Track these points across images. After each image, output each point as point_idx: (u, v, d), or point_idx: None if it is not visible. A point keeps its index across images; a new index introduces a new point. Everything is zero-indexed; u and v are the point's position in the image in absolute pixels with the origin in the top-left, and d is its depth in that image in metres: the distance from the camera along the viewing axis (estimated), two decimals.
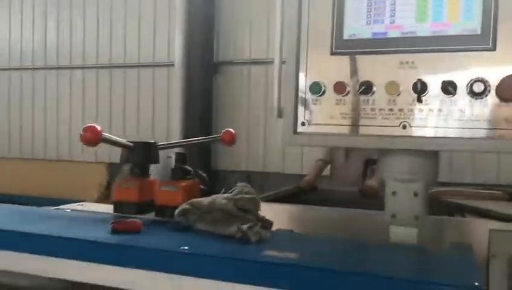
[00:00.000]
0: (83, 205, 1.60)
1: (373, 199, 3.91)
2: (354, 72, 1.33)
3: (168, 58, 7.21)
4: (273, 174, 6.74)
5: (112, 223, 1.18)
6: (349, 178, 4.58)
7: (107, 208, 1.51)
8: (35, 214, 1.39)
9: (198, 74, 6.83)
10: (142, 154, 1.42)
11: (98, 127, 1.25)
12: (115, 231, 1.15)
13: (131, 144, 1.40)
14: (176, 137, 6.50)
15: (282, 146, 6.57)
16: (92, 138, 1.23)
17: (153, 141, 1.46)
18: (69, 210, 1.48)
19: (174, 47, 6.78)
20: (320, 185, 4.59)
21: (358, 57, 1.32)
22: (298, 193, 4.23)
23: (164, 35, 7.31)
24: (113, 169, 7.59)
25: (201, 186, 1.43)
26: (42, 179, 7.89)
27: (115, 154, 7.84)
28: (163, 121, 7.32)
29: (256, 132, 6.86)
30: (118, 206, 1.40)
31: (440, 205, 3.05)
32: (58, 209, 1.50)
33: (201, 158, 6.59)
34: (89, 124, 1.24)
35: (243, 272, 0.95)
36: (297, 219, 2.00)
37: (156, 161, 1.46)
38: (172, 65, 6.88)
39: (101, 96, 7.86)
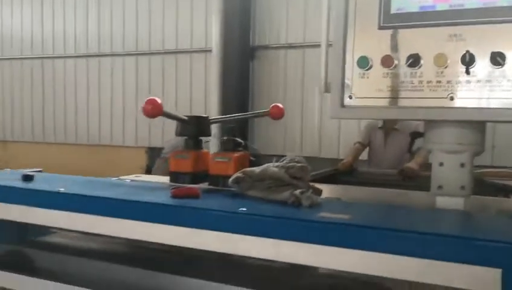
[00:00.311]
0: (140, 176, 1.71)
1: (412, 181, 3.91)
2: (401, 45, 1.36)
3: (206, 44, 7.31)
4: (310, 158, 6.77)
5: (172, 189, 1.27)
6: (387, 161, 4.58)
7: (163, 179, 1.61)
8: (100, 183, 1.50)
9: (235, 59, 6.90)
10: (195, 128, 1.50)
11: (159, 100, 1.34)
12: (175, 196, 1.24)
13: (186, 118, 1.49)
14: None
15: (318, 129, 6.58)
16: (153, 111, 1.32)
17: (205, 116, 1.54)
18: (128, 180, 1.59)
19: (211, 33, 6.87)
20: (358, 167, 4.61)
21: (406, 30, 1.35)
22: (336, 174, 4.27)
23: (201, 22, 7.41)
24: (152, 153, 7.80)
25: (251, 158, 1.50)
26: (85, 163, 8.20)
27: (154, 140, 8.08)
28: (201, 106, 7.45)
29: (292, 116, 6.89)
30: (174, 176, 1.49)
31: (484, 185, 3.03)
32: (119, 179, 1.61)
33: None
34: (150, 98, 1.33)
35: (299, 231, 1.01)
36: (340, 196, 2.05)
37: (208, 134, 1.54)
38: (210, 51, 6.97)
39: (140, 82, 8.07)
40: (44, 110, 8.90)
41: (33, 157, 8.38)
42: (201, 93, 7.51)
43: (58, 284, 1.37)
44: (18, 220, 1.40)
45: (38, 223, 1.37)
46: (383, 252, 0.93)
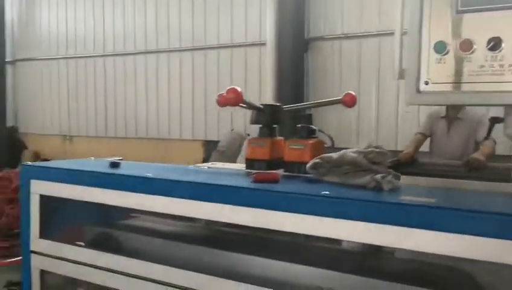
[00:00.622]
0: (214, 164, 1.78)
1: (478, 172, 3.78)
2: (481, 29, 1.33)
3: (260, 37, 7.36)
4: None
5: (253, 174, 1.32)
6: (450, 151, 4.44)
7: (237, 166, 1.67)
8: (181, 169, 1.58)
9: (290, 51, 6.90)
10: (270, 116, 1.55)
11: (239, 89, 1.40)
12: (256, 181, 1.29)
13: (261, 106, 1.54)
14: None
15: (376, 120, 6.47)
16: (235, 99, 1.38)
17: (279, 104, 1.58)
18: (206, 167, 1.66)
19: (265, 26, 6.91)
20: (419, 158, 4.51)
21: (486, 13, 1.32)
22: (397, 166, 4.19)
23: (256, 15, 7.46)
24: (208, 146, 7.97)
25: (325, 145, 1.53)
26: (145, 156, 8.51)
27: (210, 133, 8.22)
28: (256, 100, 7.52)
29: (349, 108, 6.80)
30: (250, 163, 1.54)
31: None
32: (196, 166, 1.69)
33: None
34: (231, 87, 1.39)
35: (385, 213, 1.03)
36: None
37: (281, 122, 1.58)
38: (264, 44, 7.02)
39: (196, 77, 8.26)
40: (107, 106, 9.31)
41: (96, 150, 8.80)
42: (256, 86, 7.57)
43: (142, 262, 1.45)
44: (109, 203, 1.50)
45: (128, 206, 1.47)
46: (475, 235, 0.94)
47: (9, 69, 10.33)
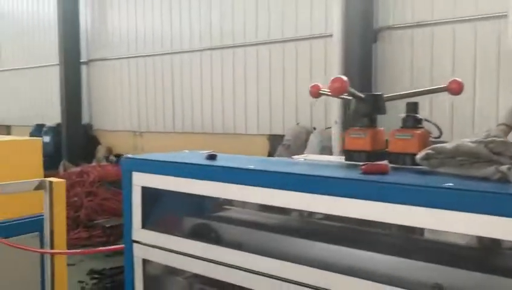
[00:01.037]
0: (307, 156, 1.75)
1: None
2: None
3: (326, 29, 7.23)
4: (440, 142, 6.37)
5: (362, 165, 1.28)
6: None
7: (334, 158, 1.64)
8: (279, 162, 1.57)
9: (357, 43, 6.71)
10: (371, 106, 1.49)
11: (345, 78, 1.36)
12: (365, 172, 1.25)
13: (363, 96, 1.49)
14: (336, 110, 6.55)
15: (450, 112, 6.18)
16: (340, 88, 1.35)
17: (380, 93, 1.53)
18: (302, 159, 1.64)
19: (331, 18, 6.77)
20: None
21: None
22: None
23: (321, 6, 7.34)
24: (273, 141, 7.98)
25: (431, 136, 1.46)
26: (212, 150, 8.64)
27: (275, 127, 8.18)
28: None
29: (420, 101, 6.53)
30: (349, 155, 1.50)
31: None
32: (291, 158, 1.67)
33: None
34: (336, 76, 1.35)
35: None
36: None
37: (383, 112, 1.52)
38: (330, 36, 6.88)
39: (260, 72, 8.27)
40: (174, 102, 9.57)
41: (165, 145, 9.07)
42: (321, 80, 7.44)
43: (241, 252, 1.45)
44: (209, 195, 1.52)
45: (228, 198, 1.48)
46: None
47: (84, 69, 10.91)
